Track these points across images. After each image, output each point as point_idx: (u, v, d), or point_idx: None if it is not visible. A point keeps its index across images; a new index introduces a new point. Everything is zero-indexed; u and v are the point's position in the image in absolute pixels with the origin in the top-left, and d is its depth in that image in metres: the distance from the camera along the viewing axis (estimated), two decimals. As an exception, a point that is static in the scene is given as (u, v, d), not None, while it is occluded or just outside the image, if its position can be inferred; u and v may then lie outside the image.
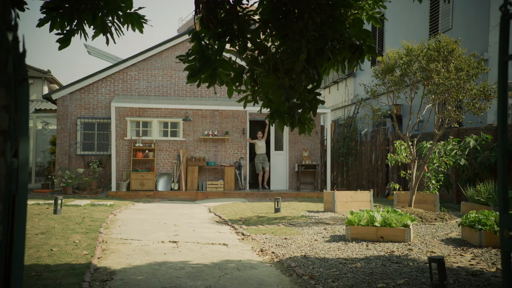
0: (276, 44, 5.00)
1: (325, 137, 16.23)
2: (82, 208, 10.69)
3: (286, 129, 15.42)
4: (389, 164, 10.76)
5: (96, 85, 15.11)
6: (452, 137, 11.47)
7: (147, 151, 14.82)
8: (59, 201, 9.65)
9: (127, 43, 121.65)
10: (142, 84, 15.38)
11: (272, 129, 15.90)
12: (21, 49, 1.51)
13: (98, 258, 5.93)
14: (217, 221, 9.56)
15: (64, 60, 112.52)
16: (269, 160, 16.17)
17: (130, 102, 14.36)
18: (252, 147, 16.28)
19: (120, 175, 14.76)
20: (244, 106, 5.02)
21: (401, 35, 15.97)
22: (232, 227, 8.70)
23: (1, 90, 1.41)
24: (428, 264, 5.71)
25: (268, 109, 5.13)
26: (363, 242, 7.02)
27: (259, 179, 15.44)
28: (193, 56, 4.73)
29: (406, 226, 7.05)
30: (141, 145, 14.77)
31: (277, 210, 10.54)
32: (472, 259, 6.00)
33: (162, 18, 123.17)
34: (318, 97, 4.93)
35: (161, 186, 14.79)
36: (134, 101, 14.56)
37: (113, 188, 14.01)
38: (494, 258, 6.00)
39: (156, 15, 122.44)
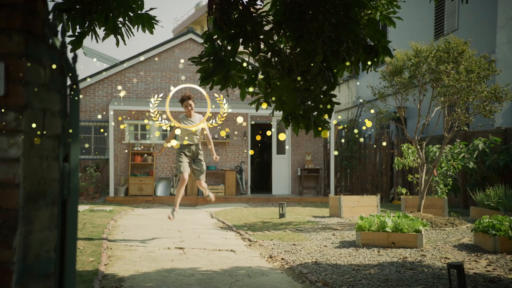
0: (289, 45, 4.87)
1: (328, 141, 16.10)
2: (81, 214, 10.49)
3: (289, 133, 15.18)
4: (396, 168, 10.62)
5: (93, 87, 14.89)
6: (459, 140, 11.34)
7: (145, 155, 14.60)
8: (60, 207, 9.46)
9: (122, 44, 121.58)
10: (140, 86, 15.18)
11: (274, 132, 15.72)
12: (71, 55, 1.46)
13: (104, 265, 5.77)
14: (221, 227, 9.40)
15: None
16: (271, 164, 15.88)
17: (128, 105, 14.16)
18: (251, 148, 16.02)
19: (118, 179, 14.53)
20: (257, 109, 4.89)
21: (405, 36, 15.79)
22: (238, 233, 8.54)
23: (55, 95, 1.35)
24: (443, 270, 5.59)
25: (281, 112, 5.00)
26: (374, 248, 6.88)
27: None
28: (206, 58, 4.59)
29: (418, 231, 6.92)
30: (139, 149, 14.55)
31: (281, 215, 10.37)
32: (487, 265, 5.87)
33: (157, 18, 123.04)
34: (333, 99, 4.81)
35: (160, 191, 14.58)
36: (132, 103, 14.37)
37: (111, 193, 13.80)
38: (510, 265, 5.88)
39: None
